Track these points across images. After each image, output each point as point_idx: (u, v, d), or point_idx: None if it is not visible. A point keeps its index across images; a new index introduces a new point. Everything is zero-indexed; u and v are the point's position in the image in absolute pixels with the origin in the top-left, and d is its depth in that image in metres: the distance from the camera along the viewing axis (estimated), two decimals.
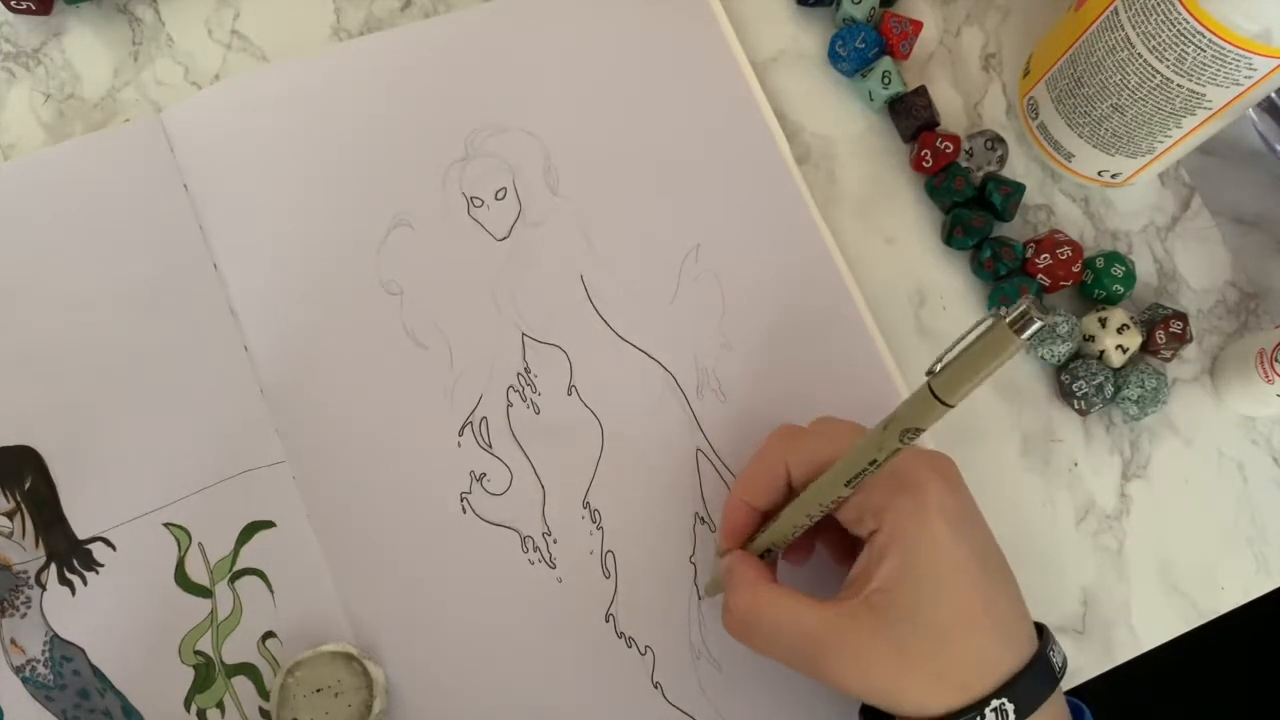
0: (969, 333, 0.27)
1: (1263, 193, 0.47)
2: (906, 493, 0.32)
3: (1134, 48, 0.37)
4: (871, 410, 0.34)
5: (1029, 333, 0.26)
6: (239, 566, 0.38)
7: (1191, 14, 0.34)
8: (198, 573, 0.38)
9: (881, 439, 0.30)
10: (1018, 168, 0.45)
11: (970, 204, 0.43)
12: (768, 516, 0.36)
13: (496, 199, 0.42)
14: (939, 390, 0.28)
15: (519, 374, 0.41)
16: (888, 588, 0.31)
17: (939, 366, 0.28)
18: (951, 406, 0.28)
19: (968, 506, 0.33)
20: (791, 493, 0.35)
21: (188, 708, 0.37)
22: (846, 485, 0.32)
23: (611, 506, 0.40)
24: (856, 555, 0.34)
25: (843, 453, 0.32)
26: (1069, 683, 0.40)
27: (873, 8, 0.44)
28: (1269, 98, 0.47)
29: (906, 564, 0.31)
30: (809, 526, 0.34)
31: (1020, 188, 0.43)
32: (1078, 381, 0.42)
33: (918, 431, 0.29)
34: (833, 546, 0.38)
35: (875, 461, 0.30)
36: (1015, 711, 0.30)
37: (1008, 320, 0.26)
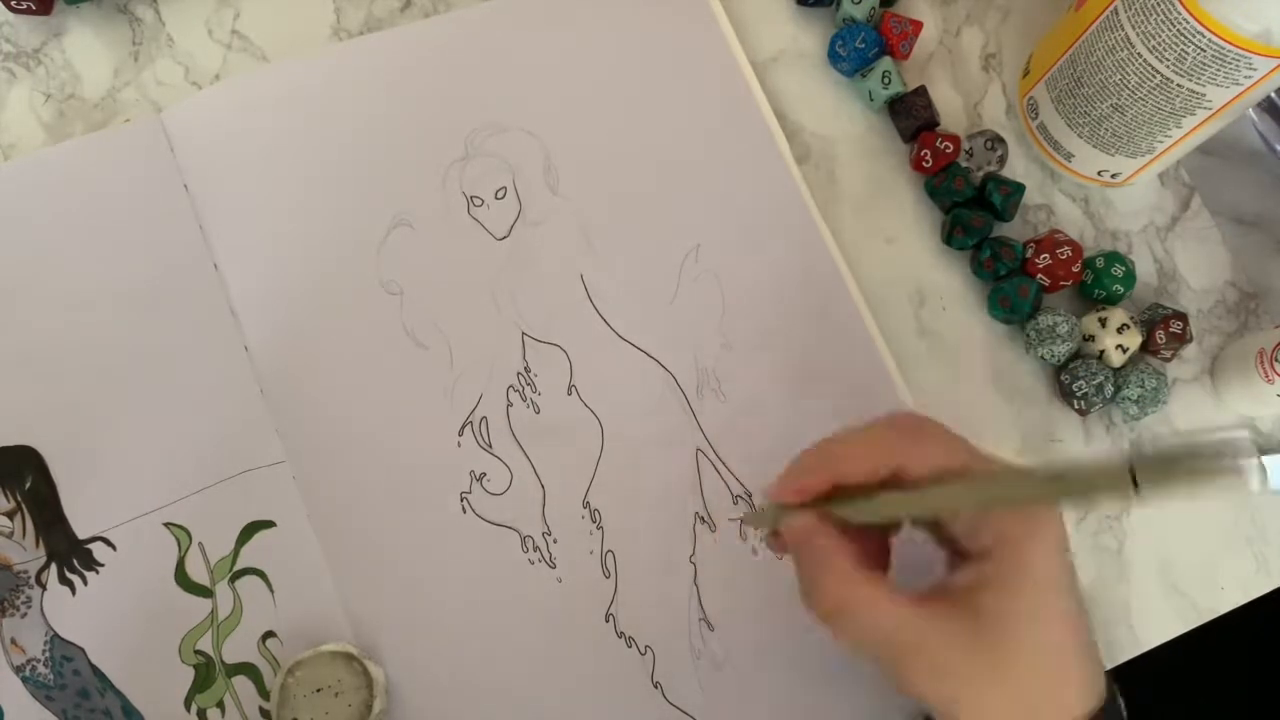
0: (1195, 445, 0.25)
1: (1263, 193, 0.47)
2: (1038, 528, 0.32)
3: (1134, 48, 0.37)
4: (872, 410, 0.34)
5: (1249, 476, 0.24)
6: (239, 566, 0.38)
7: (1191, 14, 0.34)
8: (198, 572, 0.38)
9: (1045, 490, 0.29)
10: (1018, 168, 0.45)
11: (970, 204, 0.43)
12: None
13: (496, 199, 0.42)
14: (1142, 482, 0.26)
15: (519, 374, 0.41)
16: (1000, 611, 0.31)
17: (1153, 461, 0.26)
18: (1139, 499, 0.26)
19: (1071, 560, 0.34)
20: (883, 484, 0.33)
21: (188, 707, 0.37)
22: (979, 507, 0.32)
23: (611, 506, 0.40)
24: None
25: (962, 469, 0.32)
26: None
27: (873, 8, 0.44)
28: (1269, 98, 0.47)
29: (1025, 595, 0.31)
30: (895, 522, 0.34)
31: (1020, 188, 0.43)
32: (1078, 381, 0.42)
33: (1089, 500, 0.28)
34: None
35: (1022, 501, 0.31)
36: None
37: (1239, 460, 0.24)
